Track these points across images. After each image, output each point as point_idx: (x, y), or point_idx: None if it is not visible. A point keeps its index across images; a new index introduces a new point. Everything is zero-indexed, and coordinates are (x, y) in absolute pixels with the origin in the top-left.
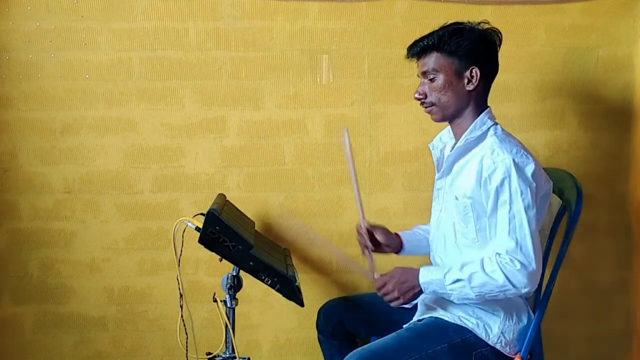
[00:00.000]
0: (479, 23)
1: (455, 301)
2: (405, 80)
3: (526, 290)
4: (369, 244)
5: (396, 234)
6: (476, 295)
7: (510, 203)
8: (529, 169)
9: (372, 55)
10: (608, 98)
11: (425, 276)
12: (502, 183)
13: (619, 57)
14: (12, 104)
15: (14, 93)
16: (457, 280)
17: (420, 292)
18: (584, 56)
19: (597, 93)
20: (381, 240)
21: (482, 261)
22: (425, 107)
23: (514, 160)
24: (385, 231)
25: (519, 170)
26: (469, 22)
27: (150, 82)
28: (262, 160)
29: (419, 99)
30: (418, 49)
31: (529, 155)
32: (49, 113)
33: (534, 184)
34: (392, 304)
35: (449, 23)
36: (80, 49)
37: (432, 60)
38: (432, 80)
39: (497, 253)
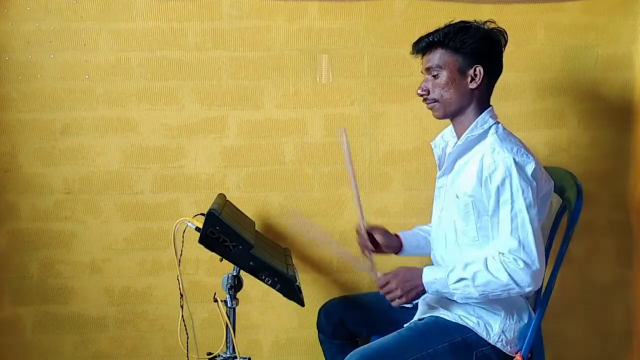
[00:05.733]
0: (485, 22)
1: (459, 301)
2: (404, 79)
3: (529, 289)
4: (369, 244)
5: (396, 235)
6: (480, 295)
7: (512, 202)
8: (530, 168)
9: (372, 54)
10: (608, 96)
11: (429, 275)
12: (502, 182)
13: (619, 55)
14: (12, 104)
15: (13, 94)
16: (461, 280)
17: (423, 291)
18: (584, 54)
19: (596, 91)
20: (380, 242)
21: (485, 260)
22: (428, 104)
23: (514, 160)
24: (384, 232)
25: (520, 169)
26: (475, 20)
27: (150, 82)
28: (262, 160)
29: (421, 95)
30: (423, 45)
31: (529, 155)
32: (48, 113)
33: (535, 183)
34: (394, 303)
35: (455, 21)
36: (79, 50)
37: (436, 56)
38: (435, 76)
39: (500, 252)
